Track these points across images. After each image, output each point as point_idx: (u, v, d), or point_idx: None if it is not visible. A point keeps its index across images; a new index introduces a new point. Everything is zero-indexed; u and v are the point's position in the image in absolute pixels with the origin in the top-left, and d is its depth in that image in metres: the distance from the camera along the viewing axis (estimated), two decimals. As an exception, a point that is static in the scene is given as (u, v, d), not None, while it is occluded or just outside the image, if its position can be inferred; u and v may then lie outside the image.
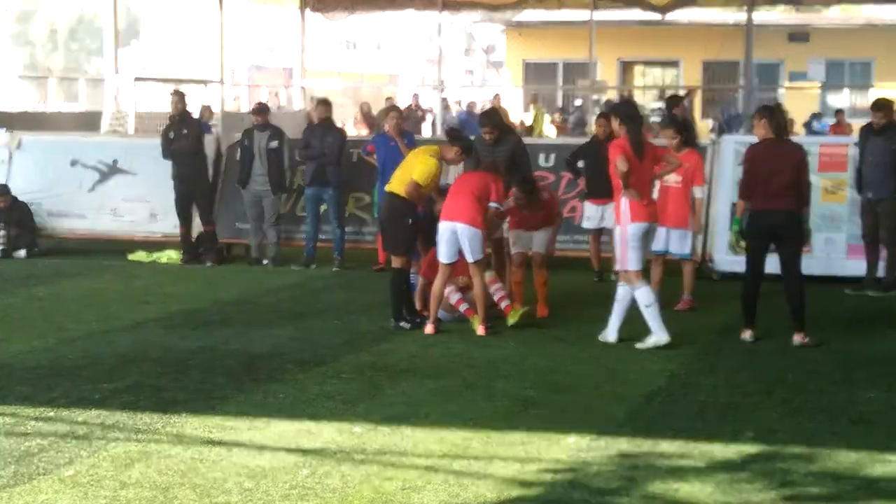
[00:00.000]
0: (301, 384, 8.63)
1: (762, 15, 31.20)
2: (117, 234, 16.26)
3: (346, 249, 14.71)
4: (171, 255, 15.46)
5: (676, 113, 14.87)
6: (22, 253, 15.57)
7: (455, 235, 10.38)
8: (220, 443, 7.12)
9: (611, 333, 10.08)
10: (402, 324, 10.69)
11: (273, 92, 35.50)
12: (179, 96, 15.55)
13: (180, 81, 26.06)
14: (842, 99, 34.69)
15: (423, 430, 7.39)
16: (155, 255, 15.51)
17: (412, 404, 8.03)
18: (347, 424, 7.51)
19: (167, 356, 9.54)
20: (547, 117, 31.52)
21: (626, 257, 9.94)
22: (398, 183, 10.79)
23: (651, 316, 9.86)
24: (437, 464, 6.75)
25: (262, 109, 15.43)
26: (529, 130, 28.34)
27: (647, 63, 38.73)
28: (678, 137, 11.88)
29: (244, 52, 45.74)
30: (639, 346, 9.84)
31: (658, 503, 6.08)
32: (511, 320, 10.69)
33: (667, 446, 7.08)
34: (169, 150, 15.08)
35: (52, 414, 7.76)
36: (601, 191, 13.20)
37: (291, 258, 14.90)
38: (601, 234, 13.49)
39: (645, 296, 9.86)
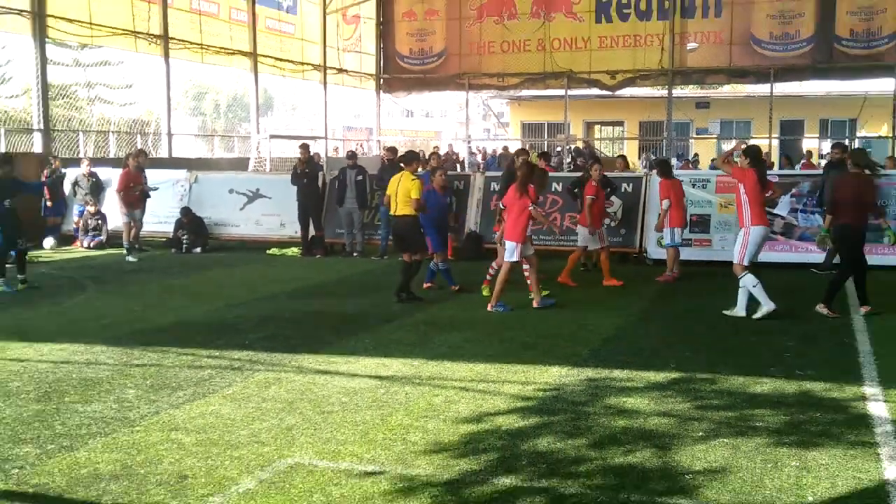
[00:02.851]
0: (379, 333, 8.62)
1: (678, 91, 30.98)
2: (259, 238, 16.30)
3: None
4: (294, 251, 15.51)
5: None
6: (198, 250, 15.67)
7: None
8: (326, 372, 7.12)
9: (739, 310, 9.20)
10: (402, 294, 10.34)
11: (359, 144, 35.50)
12: (305, 147, 15.72)
13: (300, 138, 26.05)
14: (730, 146, 34.28)
15: (459, 364, 7.36)
16: (284, 251, 15.55)
17: (452, 347, 8.02)
18: (409, 360, 7.51)
19: (293, 315, 9.56)
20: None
21: (742, 254, 9.17)
22: (403, 205, 10.26)
23: (758, 293, 9.04)
24: (468, 385, 6.73)
25: (352, 155, 15.59)
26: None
27: (602, 123, 38.49)
28: (656, 169, 12.20)
29: (340, 118, 45.83)
30: (755, 316, 9.02)
31: (613, 411, 6.03)
32: (485, 292, 10.46)
33: (618, 374, 7.02)
34: (296, 181, 15.21)
35: (217, 353, 7.80)
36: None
37: (371, 252, 14.91)
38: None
39: (750, 280, 9.07)
